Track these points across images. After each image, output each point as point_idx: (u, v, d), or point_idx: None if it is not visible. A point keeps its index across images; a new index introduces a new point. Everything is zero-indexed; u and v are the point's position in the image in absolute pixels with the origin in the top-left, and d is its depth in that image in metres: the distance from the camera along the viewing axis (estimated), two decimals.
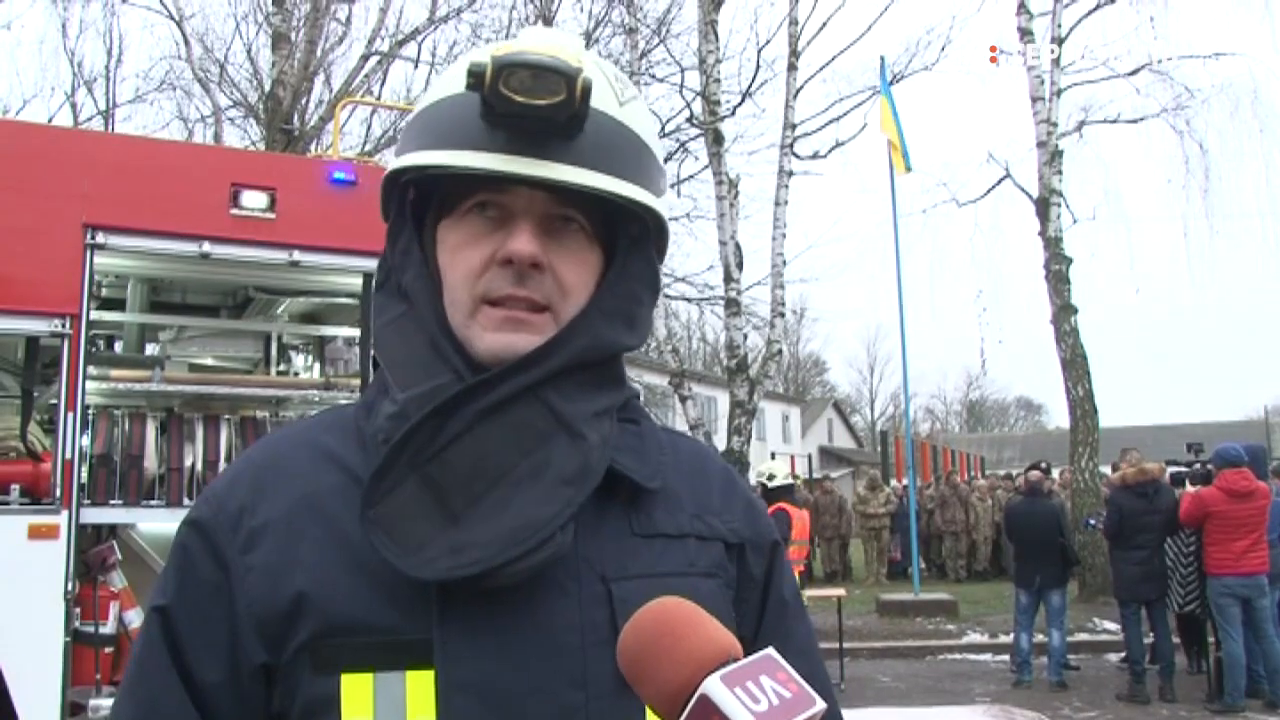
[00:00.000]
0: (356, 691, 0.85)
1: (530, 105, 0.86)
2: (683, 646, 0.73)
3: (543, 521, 0.86)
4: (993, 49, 15.73)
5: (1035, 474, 9.68)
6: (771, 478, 8.35)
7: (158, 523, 4.73)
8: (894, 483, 20.01)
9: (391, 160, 0.98)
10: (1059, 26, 14.92)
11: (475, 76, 0.86)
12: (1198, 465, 8.37)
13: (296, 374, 6.15)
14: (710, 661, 0.71)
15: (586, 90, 0.87)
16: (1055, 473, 13.42)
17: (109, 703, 4.29)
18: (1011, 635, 9.55)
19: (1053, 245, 14.27)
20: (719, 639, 0.74)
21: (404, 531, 0.86)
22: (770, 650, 0.73)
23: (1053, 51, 14.72)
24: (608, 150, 0.92)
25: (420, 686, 0.85)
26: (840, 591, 11.03)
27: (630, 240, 0.99)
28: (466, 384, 0.89)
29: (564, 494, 0.88)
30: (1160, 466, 8.53)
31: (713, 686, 0.69)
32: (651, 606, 0.76)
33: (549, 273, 0.92)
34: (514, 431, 0.89)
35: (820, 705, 0.71)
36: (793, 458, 23.01)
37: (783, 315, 14.95)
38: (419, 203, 0.99)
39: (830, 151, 16.22)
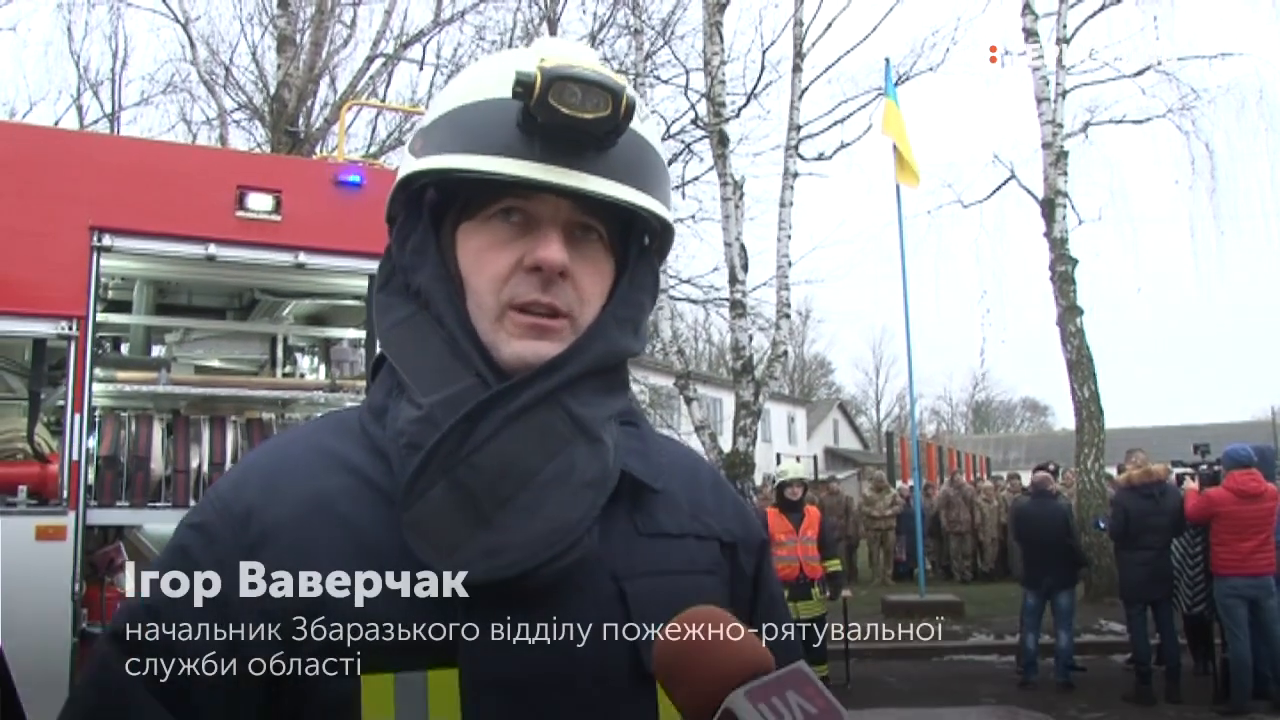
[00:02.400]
0: (377, 693, 0.84)
1: (576, 118, 0.89)
2: (712, 660, 0.74)
3: (573, 524, 0.89)
4: (993, 49, 15.69)
5: (1040, 474, 9.65)
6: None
7: (164, 524, 4.73)
8: (900, 484, 19.97)
9: (411, 161, 0.97)
10: (1064, 27, 14.87)
11: (524, 86, 0.88)
12: (1204, 466, 8.34)
13: (302, 376, 6.16)
14: (737, 675, 0.72)
15: (631, 107, 0.90)
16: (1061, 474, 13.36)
17: None
18: (1017, 636, 9.52)
19: (1058, 246, 14.21)
20: (748, 653, 0.74)
21: (437, 534, 0.87)
22: (800, 664, 0.73)
23: (1058, 51, 14.70)
24: (633, 164, 0.95)
25: (442, 686, 0.85)
26: (846, 593, 10.99)
27: (640, 250, 1.02)
28: (493, 390, 0.91)
29: (588, 497, 0.91)
30: (1165, 467, 8.50)
31: (737, 702, 0.70)
32: (685, 616, 0.77)
33: (570, 280, 0.94)
34: (539, 436, 0.91)
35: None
36: (798, 458, 23.01)
37: (788, 316, 14.92)
38: (436, 204, 0.99)
39: (835, 153, 16.15)
